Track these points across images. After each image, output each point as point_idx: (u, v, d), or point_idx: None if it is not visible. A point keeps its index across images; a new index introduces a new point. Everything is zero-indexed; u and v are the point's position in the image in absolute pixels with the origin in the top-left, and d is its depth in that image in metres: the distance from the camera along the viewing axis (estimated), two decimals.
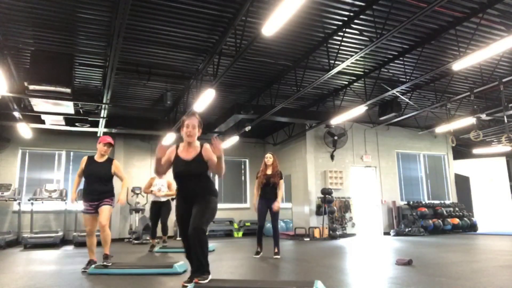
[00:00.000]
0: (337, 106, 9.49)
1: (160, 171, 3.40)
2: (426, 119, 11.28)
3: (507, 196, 12.97)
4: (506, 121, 8.52)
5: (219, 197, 12.53)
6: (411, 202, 11.59)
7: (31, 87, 6.38)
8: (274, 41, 6.38)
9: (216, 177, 12.41)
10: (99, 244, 4.90)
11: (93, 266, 4.60)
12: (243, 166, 13.16)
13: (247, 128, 9.89)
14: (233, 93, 9.03)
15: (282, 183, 6.02)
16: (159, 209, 7.26)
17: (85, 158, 4.91)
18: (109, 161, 4.93)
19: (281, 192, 6.02)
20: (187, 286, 3.16)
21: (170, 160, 3.40)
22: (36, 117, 8.60)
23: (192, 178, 3.31)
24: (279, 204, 5.91)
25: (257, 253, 5.97)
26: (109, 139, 4.95)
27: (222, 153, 3.23)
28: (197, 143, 3.41)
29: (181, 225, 3.37)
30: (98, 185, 4.77)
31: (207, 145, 3.39)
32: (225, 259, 5.91)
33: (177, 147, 3.43)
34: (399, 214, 11.44)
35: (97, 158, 4.89)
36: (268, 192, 5.94)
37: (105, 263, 4.63)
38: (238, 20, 5.59)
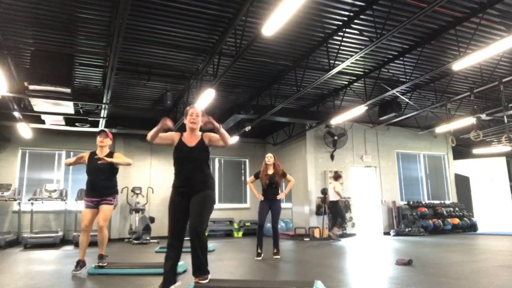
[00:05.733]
0: (337, 106, 9.49)
1: (154, 138, 3.32)
2: (426, 119, 11.28)
3: (507, 196, 12.97)
4: (506, 121, 8.52)
5: (219, 197, 12.40)
6: (411, 202, 11.58)
7: (31, 87, 6.37)
8: (274, 41, 6.38)
9: (217, 176, 12.45)
10: (93, 244, 4.82)
11: (92, 266, 4.59)
12: (243, 166, 13.16)
13: (247, 128, 9.88)
14: (233, 93, 9.03)
15: (290, 177, 6.20)
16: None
17: (88, 152, 4.78)
18: (110, 154, 4.78)
19: (292, 183, 6.21)
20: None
21: (173, 141, 3.43)
22: (36, 117, 8.60)
23: (193, 165, 3.34)
24: (284, 195, 6.11)
25: (258, 254, 5.90)
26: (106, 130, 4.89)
27: (217, 124, 3.31)
28: (199, 133, 3.49)
29: (174, 223, 3.30)
30: (101, 180, 4.63)
31: (207, 133, 3.49)
32: (225, 259, 5.91)
33: (182, 135, 3.48)
34: (399, 214, 11.44)
35: (98, 153, 4.75)
36: (270, 192, 5.94)
37: (100, 264, 4.58)
38: (238, 20, 5.59)
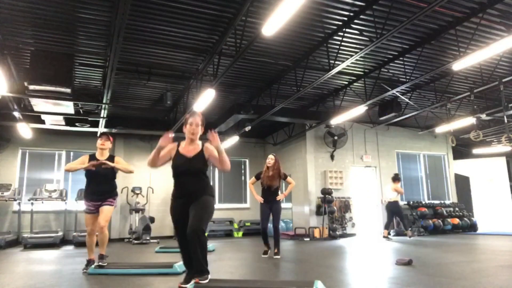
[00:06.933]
0: (337, 106, 9.49)
1: (155, 162, 3.31)
2: (426, 119, 11.28)
3: (507, 196, 12.96)
4: (506, 121, 8.51)
5: (219, 197, 12.42)
6: (411, 202, 11.58)
7: (31, 87, 6.37)
8: (274, 41, 6.38)
9: (217, 176, 12.46)
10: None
11: (92, 266, 4.59)
12: (243, 166, 13.16)
13: (247, 128, 9.89)
14: (233, 93, 9.03)
15: (291, 179, 6.23)
16: None
17: (87, 156, 4.79)
18: (111, 158, 4.80)
19: (292, 185, 6.20)
20: (185, 286, 3.18)
21: (170, 156, 3.41)
22: (36, 117, 8.60)
23: (192, 175, 3.32)
24: (283, 196, 6.11)
25: (265, 252, 6.00)
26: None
27: (220, 144, 3.25)
28: (199, 142, 3.44)
29: (177, 227, 3.35)
30: (100, 184, 4.67)
31: (208, 144, 3.42)
32: (225, 259, 5.92)
33: (178, 145, 3.45)
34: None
35: (98, 156, 4.76)
36: (270, 194, 5.97)
37: (100, 263, 4.60)
38: (238, 20, 5.59)
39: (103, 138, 4.80)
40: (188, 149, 3.38)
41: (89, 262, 4.69)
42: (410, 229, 9.70)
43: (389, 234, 9.64)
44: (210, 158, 3.39)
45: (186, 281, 3.24)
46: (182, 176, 3.33)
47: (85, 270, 4.59)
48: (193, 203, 3.28)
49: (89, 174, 4.71)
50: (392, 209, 9.58)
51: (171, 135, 3.28)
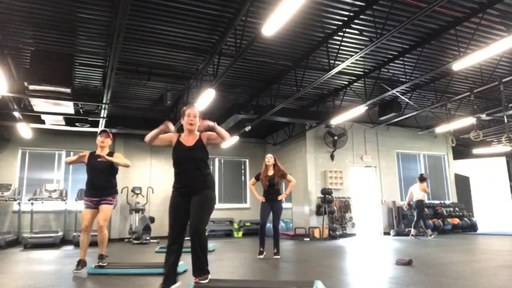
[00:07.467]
0: (337, 106, 9.49)
1: (153, 140, 3.37)
2: (426, 119, 11.28)
3: (507, 196, 12.96)
4: (506, 121, 8.52)
5: (219, 197, 12.39)
6: (411, 202, 11.55)
7: (31, 87, 6.37)
8: (274, 41, 6.38)
9: (217, 176, 12.45)
10: (93, 244, 4.82)
11: (92, 266, 4.59)
12: (243, 166, 13.16)
13: (247, 128, 9.89)
14: (233, 93, 9.03)
15: (291, 178, 6.12)
16: None
17: (88, 152, 4.80)
18: (111, 155, 4.78)
19: (292, 184, 6.11)
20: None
21: (171, 142, 3.44)
22: (36, 117, 8.60)
23: (192, 164, 3.34)
24: (285, 196, 6.06)
25: (260, 253, 5.93)
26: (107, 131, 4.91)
27: (210, 123, 3.35)
28: (197, 133, 3.49)
29: (175, 223, 3.30)
30: (100, 180, 4.66)
31: (204, 132, 3.51)
32: (225, 259, 5.92)
33: (179, 136, 3.49)
34: (399, 214, 11.43)
35: (98, 153, 4.75)
36: (271, 193, 5.95)
37: (100, 263, 4.58)
38: (238, 20, 5.59)
39: (103, 135, 4.81)
40: (188, 139, 3.44)
41: (80, 263, 4.55)
42: (416, 229, 9.75)
43: (432, 233, 9.88)
44: (209, 141, 3.44)
45: (164, 285, 3.13)
46: (183, 165, 3.36)
47: (75, 271, 4.46)
48: (194, 196, 3.28)
49: (89, 169, 4.72)
50: (419, 205, 9.75)
51: (172, 127, 3.36)
